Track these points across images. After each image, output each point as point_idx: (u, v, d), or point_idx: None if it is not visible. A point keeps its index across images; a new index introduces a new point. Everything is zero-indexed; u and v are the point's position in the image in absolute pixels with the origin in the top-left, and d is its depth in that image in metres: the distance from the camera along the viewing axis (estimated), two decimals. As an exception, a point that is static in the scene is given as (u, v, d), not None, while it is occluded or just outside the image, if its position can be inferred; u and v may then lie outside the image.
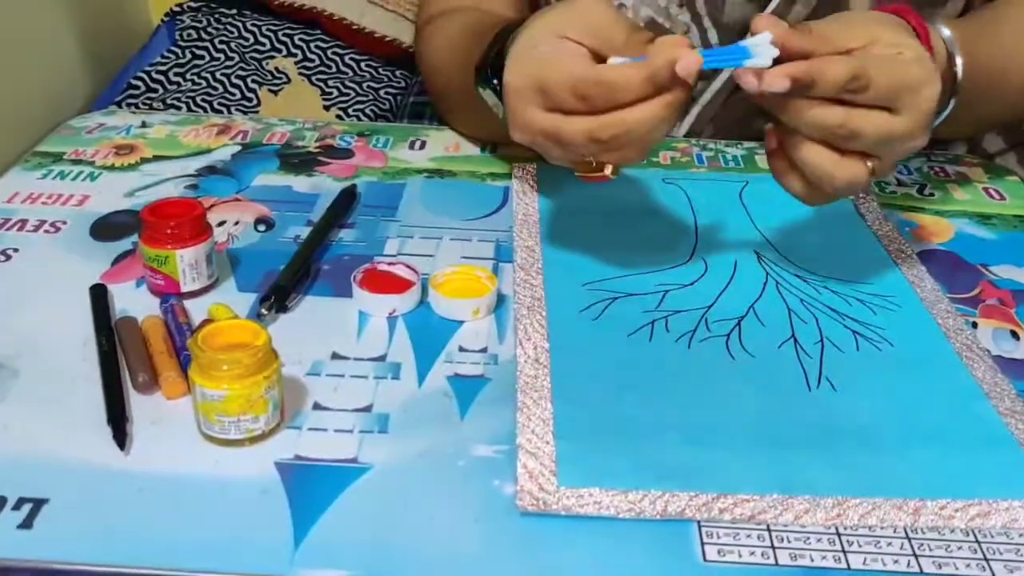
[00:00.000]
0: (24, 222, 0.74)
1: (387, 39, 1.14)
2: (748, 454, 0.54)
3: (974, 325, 0.67)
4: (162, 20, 1.17)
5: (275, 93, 1.08)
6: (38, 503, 0.49)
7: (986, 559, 0.49)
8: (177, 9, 1.17)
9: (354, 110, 1.07)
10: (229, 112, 1.03)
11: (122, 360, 0.59)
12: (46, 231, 0.73)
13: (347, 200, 0.78)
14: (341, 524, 0.49)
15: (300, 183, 0.82)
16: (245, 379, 0.52)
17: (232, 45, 1.12)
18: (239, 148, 0.88)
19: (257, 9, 1.16)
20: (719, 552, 0.48)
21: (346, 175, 0.84)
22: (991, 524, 0.50)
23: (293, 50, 1.13)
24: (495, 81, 0.69)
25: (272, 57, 1.12)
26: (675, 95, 0.58)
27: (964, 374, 0.61)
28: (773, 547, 0.49)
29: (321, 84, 1.10)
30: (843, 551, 0.49)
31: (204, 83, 1.06)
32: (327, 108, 1.07)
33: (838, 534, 0.50)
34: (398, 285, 0.66)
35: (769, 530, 0.50)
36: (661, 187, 0.83)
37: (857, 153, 0.59)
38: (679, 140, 0.92)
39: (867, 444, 0.55)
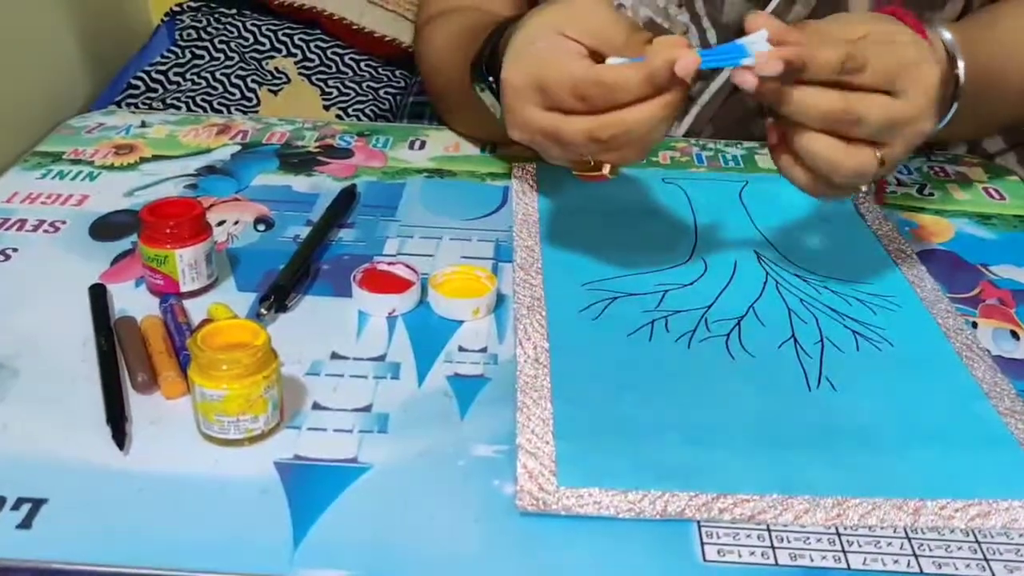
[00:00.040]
0: (23, 222, 0.74)
1: (387, 39, 1.14)
2: (748, 454, 0.54)
3: (974, 325, 0.67)
4: (162, 20, 1.17)
5: (275, 93, 1.08)
6: (37, 503, 0.49)
7: (986, 559, 0.48)
8: (177, 9, 1.17)
9: (354, 110, 1.07)
10: (229, 112, 1.03)
11: (121, 360, 0.59)
12: (45, 231, 0.73)
13: (347, 200, 0.78)
14: (341, 524, 0.49)
15: (300, 183, 0.82)
16: (244, 379, 0.52)
17: (232, 45, 1.12)
18: (239, 148, 0.88)
19: (257, 9, 1.16)
20: (719, 552, 0.48)
21: (346, 175, 0.84)
22: (991, 524, 0.50)
23: (293, 50, 1.13)
24: (490, 78, 0.69)
25: (272, 57, 1.12)
26: (674, 95, 0.58)
27: (964, 374, 0.61)
28: (773, 547, 0.49)
29: (321, 84, 1.10)
30: (843, 551, 0.49)
31: (204, 83, 1.06)
32: (327, 108, 1.07)
33: (838, 534, 0.50)
34: (398, 285, 0.66)
35: (769, 530, 0.50)
36: (661, 187, 0.83)
37: (864, 142, 0.59)
38: (679, 140, 0.92)
39: (867, 444, 0.55)
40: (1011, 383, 0.60)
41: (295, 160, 0.86)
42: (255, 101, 1.06)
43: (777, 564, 0.48)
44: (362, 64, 1.14)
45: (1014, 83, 0.79)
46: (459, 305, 0.65)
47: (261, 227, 0.75)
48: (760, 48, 0.56)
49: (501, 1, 0.86)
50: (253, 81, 1.08)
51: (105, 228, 0.74)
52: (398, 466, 0.53)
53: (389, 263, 0.68)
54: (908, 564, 0.48)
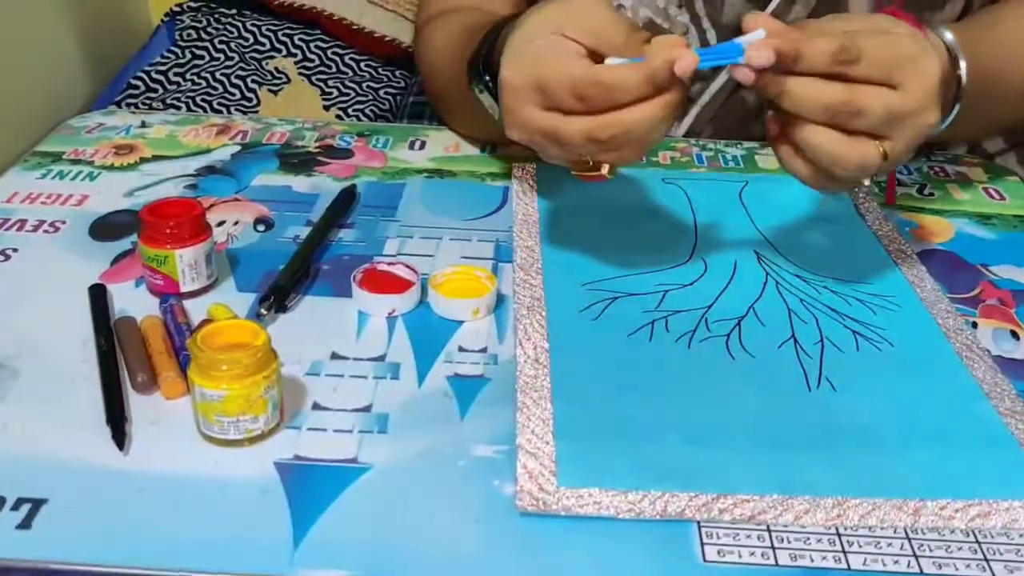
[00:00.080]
0: (23, 222, 0.74)
1: (387, 39, 1.14)
2: (748, 454, 0.54)
3: (974, 325, 0.67)
4: (162, 20, 1.17)
5: (275, 93, 1.08)
6: (37, 503, 0.49)
7: (986, 559, 0.48)
8: (177, 9, 1.17)
9: (354, 110, 1.07)
10: (229, 112, 1.03)
11: (121, 360, 0.59)
12: (45, 231, 0.73)
13: (347, 200, 0.78)
14: (341, 524, 0.49)
15: (300, 183, 0.82)
16: (244, 379, 0.52)
17: (232, 45, 1.12)
18: (239, 148, 0.88)
19: (257, 9, 1.16)
20: (719, 552, 0.48)
21: (346, 175, 0.84)
22: (991, 524, 0.50)
23: (293, 50, 1.13)
24: (487, 77, 0.69)
25: (272, 57, 1.12)
26: (673, 95, 0.58)
27: (964, 374, 0.61)
28: (773, 547, 0.49)
29: (321, 84, 1.10)
30: (843, 551, 0.49)
31: (204, 83, 1.06)
32: (327, 108, 1.07)
33: (838, 534, 0.50)
34: (398, 285, 0.66)
35: (769, 530, 0.50)
36: (661, 187, 0.83)
37: (866, 135, 0.59)
38: (679, 140, 0.92)
39: (867, 444, 0.55)
40: (1011, 383, 0.60)
41: (295, 160, 0.86)
42: (255, 101, 1.06)
43: (777, 564, 0.48)
44: (362, 64, 1.14)
45: (1014, 84, 0.79)
46: (459, 305, 0.65)
47: (261, 227, 0.75)
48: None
49: (501, 1, 0.87)
50: (253, 81, 1.08)
51: (105, 228, 0.74)
52: (398, 466, 0.53)
53: (389, 263, 0.68)
54: (908, 564, 0.48)
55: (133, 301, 0.65)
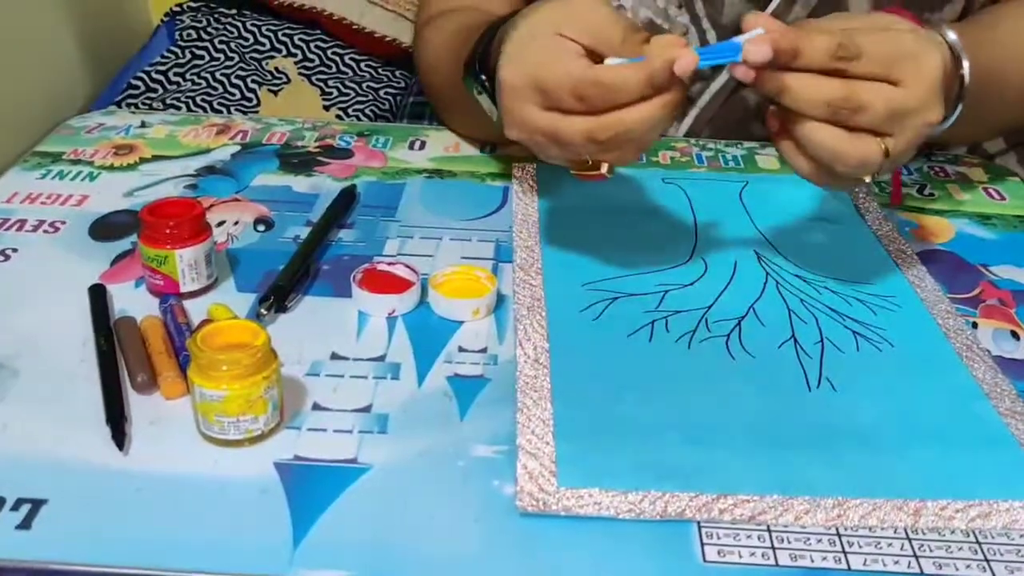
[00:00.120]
0: (23, 222, 0.74)
1: (387, 39, 1.14)
2: (748, 454, 0.54)
3: (974, 325, 0.67)
4: (162, 20, 1.17)
5: (275, 93, 1.08)
6: (37, 504, 0.49)
7: (986, 560, 0.48)
8: (177, 9, 1.17)
9: (354, 110, 1.07)
10: (229, 112, 1.03)
11: (121, 360, 0.59)
12: (45, 231, 0.73)
13: (347, 200, 0.78)
14: (341, 524, 0.49)
15: (299, 183, 0.82)
16: (244, 379, 0.52)
17: (232, 45, 1.12)
18: (238, 148, 0.88)
19: (257, 9, 1.16)
20: (719, 553, 0.48)
21: (346, 175, 0.84)
22: (991, 525, 0.50)
23: (293, 50, 1.13)
24: (483, 77, 0.69)
25: (272, 57, 1.12)
26: (673, 95, 0.58)
27: (964, 374, 0.61)
28: (773, 548, 0.49)
29: (321, 84, 1.10)
30: (843, 552, 0.49)
31: (204, 83, 1.06)
32: (327, 108, 1.07)
33: (838, 535, 0.50)
34: (398, 285, 0.66)
35: (769, 531, 0.50)
36: (661, 187, 0.83)
37: (868, 132, 0.58)
38: (679, 140, 0.92)
39: (867, 444, 0.55)
40: (1011, 383, 0.60)
41: (295, 160, 0.86)
42: (255, 101, 1.06)
43: (777, 565, 0.48)
44: (362, 64, 1.14)
45: (1014, 84, 0.79)
46: (459, 305, 0.65)
47: (261, 227, 0.75)
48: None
49: (500, 1, 0.86)
50: (253, 81, 1.08)
51: (105, 228, 0.74)
52: (398, 466, 0.53)
53: (389, 263, 0.68)
54: (908, 565, 0.48)
55: (133, 301, 0.65)
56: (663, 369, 0.60)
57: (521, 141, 0.63)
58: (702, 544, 0.49)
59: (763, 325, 0.65)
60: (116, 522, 0.49)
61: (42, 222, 0.74)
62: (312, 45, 1.13)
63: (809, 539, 0.49)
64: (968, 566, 0.48)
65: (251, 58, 1.11)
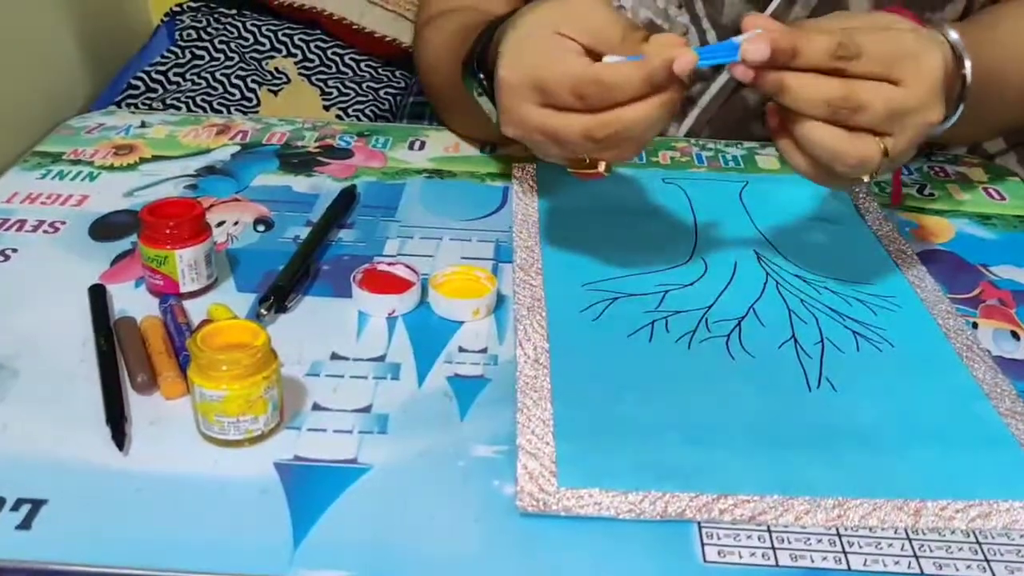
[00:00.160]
0: (23, 222, 0.74)
1: (387, 39, 1.14)
2: (748, 454, 0.54)
3: (974, 325, 0.67)
4: (162, 20, 1.17)
5: (275, 93, 1.08)
6: (37, 504, 0.49)
7: (987, 560, 0.48)
8: (177, 9, 1.17)
9: (354, 110, 1.07)
10: (229, 112, 1.03)
11: (121, 360, 0.59)
12: (45, 231, 0.73)
13: (347, 200, 0.78)
14: (341, 524, 0.49)
15: (299, 183, 0.82)
16: (244, 379, 0.52)
17: (232, 45, 1.12)
18: (238, 148, 0.88)
19: (257, 9, 1.16)
20: (719, 553, 0.48)
21: (345, 175, 0.84)
22: (992, 525, 0.50)
23: (293, 50, 1.13)
24: (481, 75, 0.69)
25: (272, 57, 1.12)
26: (672, 94, 0.58)
27: (964, 374, 0.61)
28: (773, 548, 0.49)
29: (321, 84, 1.10)
30: (844, 552, 0.49)
31: (204, 83, 1.06)
32: (327, 108, 1.07)
33: (839, 535, 0.50)
34: (398, 285, 0.66)
35: (770, 531, 0.50)
36: (661, 187, 0.83)
37: (867, 131, 0.58)
38: (679, 140, 0.92)
39: (867, 445, 0.55)
40: (1012, 384, 0.60)
41: (295, 160, 0.86)
42: (255, 101, 1.06)
43: (778, 565, 0.48)
44: (362, 64, 1.14)
45: (1014, 84, 0.79)
46: (459, 306, 0.65)
47: (261, 227, 0.75)
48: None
49: (500, 0, 0.86)
50: (253, 81, 1.08)
51: (105, 228, 0.74)
52: (398, 467, 0.53)
53: (389, 263, 0.68)
54: (909, 565, 0.48)
55: (133, 301, 0.65)
56: (663, 369, 0.60)
57: (518, 139, 0.63)
58: (702, 544, 0.49)
59: (763, 325, 0.65)
60: (116, 522, 0.49)
61: (42, 222, 0.74)
62: (312, 45, 1.13)
63: (809, 539, 0.49)
64: (968, 566, 0.48)
65: (251, 58, 1.11)
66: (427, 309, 0.66)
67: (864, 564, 0.48)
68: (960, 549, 0.49)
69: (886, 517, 0.50)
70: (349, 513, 0.50)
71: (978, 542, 0.49)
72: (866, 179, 0.60)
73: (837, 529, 0.50)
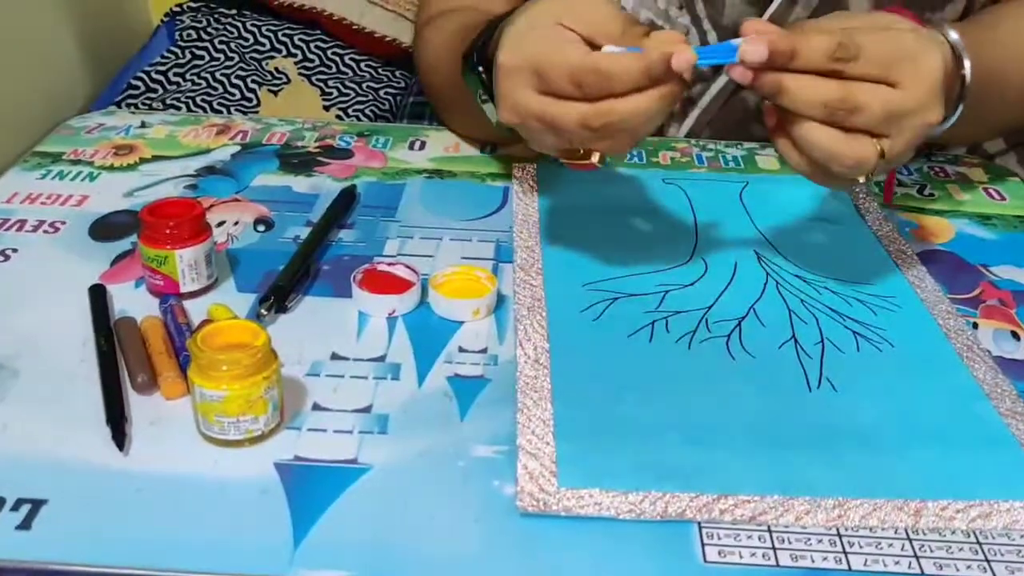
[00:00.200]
0: (23, 222, 0.74)
1: (387, 39, 1.14)
2: (748, 455, 0.54)
3: (975, 326, 0.67)
4: (162, 20, 1.17)
5: (275, 93, 1.08)
6: (37, 504, 0.49)
7: (987, 560, 0.48)
8: (177, 9, 1.17)
9: (354, 110, 1.07)
10: (229, 112, 1.03)
11: (121, 360, 0.59)
12: (45, 231, 0.73)
13: (347, 200, 0.78)
14: (341, 524, 0.49)
15: (299, 183, 0.82)
16: (244, 379, 0.52)
17: (232, 45, 1.12)
18: (239, 148, 0.88)
19: (257, 9, 1.16)
20: (720, 553, 0.48)
21: (346, 175, 0.84)
22: (992, 525, 0.50)
23: (293, 50, 1.13)
24: (480, 68, 0.69)
25: (272, 57, 1.12)
26: (669, 89, 0.58)
27: (965, 375, 0.61)
28: (774, 548, 0.49)
29: (321, 84, 1.10)
30: (844, 552, 0.49)
31: (204, 83, 1.06)
32: (327, 108, 1.07)
33: (839, 535, 0.50)
34: (398, 285, 0.66)
35: (770, 531, 0.50)
36: (661, 187, 0.83)
37: (864, 132, 0.58)
38: (679, 140, 0.92)
39: (868, 445, 0.55)
40: (1012, 384, 0.60)
41: (295, 160, 0.86)
42: (255, 101, 1.06)
43: (778, 565, 0.48)
44: (362, 64, 1.14)
45: (1014, 84, 0.79)
46: (459, 306, 0.65)
47: (261, 228, 0.75)
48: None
49: (500, 0, 0.86)
50: (253, 81, 1.08)
51: (105, 228, 0.74)
52: (398, 467, 0.53)
53: (389, 264, 0.68)
54: (909, 565, 0.48)
55: (133, 301, 0.65)
56: (663, 369, 0.60)
57: (513, 125, 0.63)
58: (703, 544, 0.49)
59: (763, 325, 0.65)
60: (116, 522, 0.49)
61: (42, 222, 0.74)
62: (312, 45, 1.13)
63: (810, 539, 0.49)
64: (969, 566, 0.48)
65: (251, 58, 1.11)
66: (427, 309, 0.66)
67: (864, 564, 0.48)
68: (960, 549, 0.49)
69: (886, 517, 0.50)
70: (349, 513, 0.50)
71: (978, 542, 0.49)
72: (862, 180, 0.61)
73: (837, 529, 0.50)
